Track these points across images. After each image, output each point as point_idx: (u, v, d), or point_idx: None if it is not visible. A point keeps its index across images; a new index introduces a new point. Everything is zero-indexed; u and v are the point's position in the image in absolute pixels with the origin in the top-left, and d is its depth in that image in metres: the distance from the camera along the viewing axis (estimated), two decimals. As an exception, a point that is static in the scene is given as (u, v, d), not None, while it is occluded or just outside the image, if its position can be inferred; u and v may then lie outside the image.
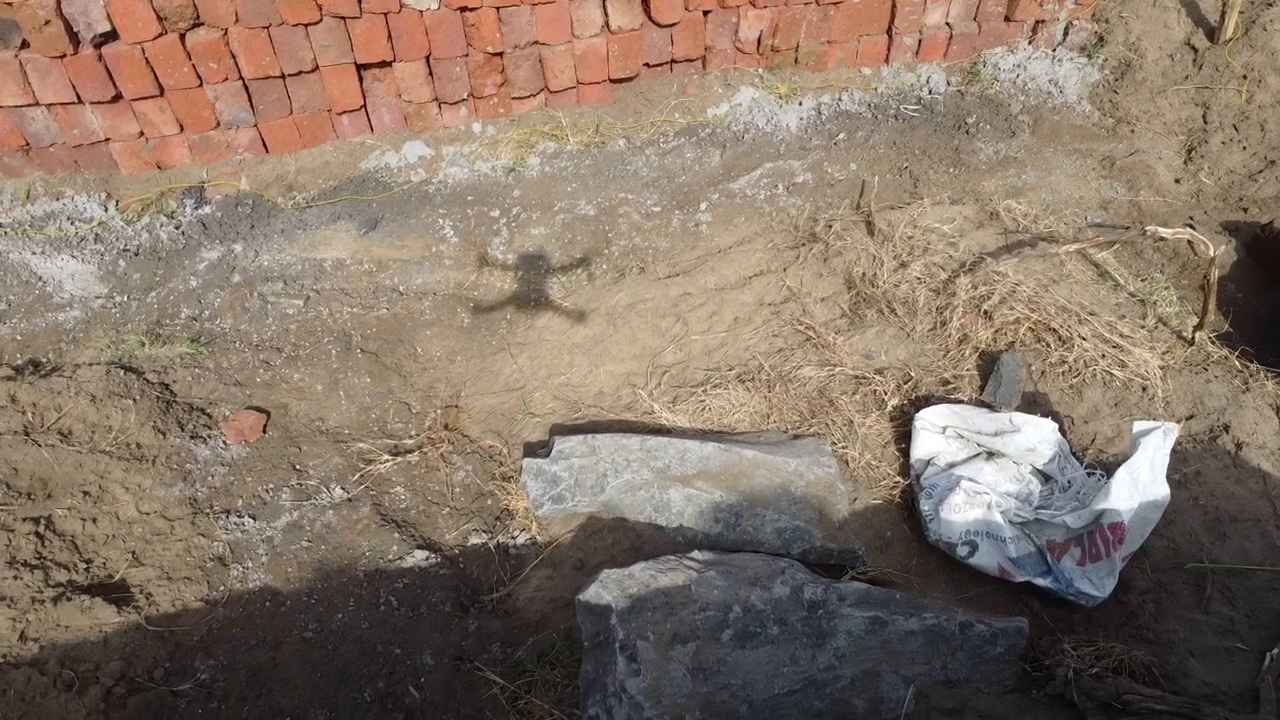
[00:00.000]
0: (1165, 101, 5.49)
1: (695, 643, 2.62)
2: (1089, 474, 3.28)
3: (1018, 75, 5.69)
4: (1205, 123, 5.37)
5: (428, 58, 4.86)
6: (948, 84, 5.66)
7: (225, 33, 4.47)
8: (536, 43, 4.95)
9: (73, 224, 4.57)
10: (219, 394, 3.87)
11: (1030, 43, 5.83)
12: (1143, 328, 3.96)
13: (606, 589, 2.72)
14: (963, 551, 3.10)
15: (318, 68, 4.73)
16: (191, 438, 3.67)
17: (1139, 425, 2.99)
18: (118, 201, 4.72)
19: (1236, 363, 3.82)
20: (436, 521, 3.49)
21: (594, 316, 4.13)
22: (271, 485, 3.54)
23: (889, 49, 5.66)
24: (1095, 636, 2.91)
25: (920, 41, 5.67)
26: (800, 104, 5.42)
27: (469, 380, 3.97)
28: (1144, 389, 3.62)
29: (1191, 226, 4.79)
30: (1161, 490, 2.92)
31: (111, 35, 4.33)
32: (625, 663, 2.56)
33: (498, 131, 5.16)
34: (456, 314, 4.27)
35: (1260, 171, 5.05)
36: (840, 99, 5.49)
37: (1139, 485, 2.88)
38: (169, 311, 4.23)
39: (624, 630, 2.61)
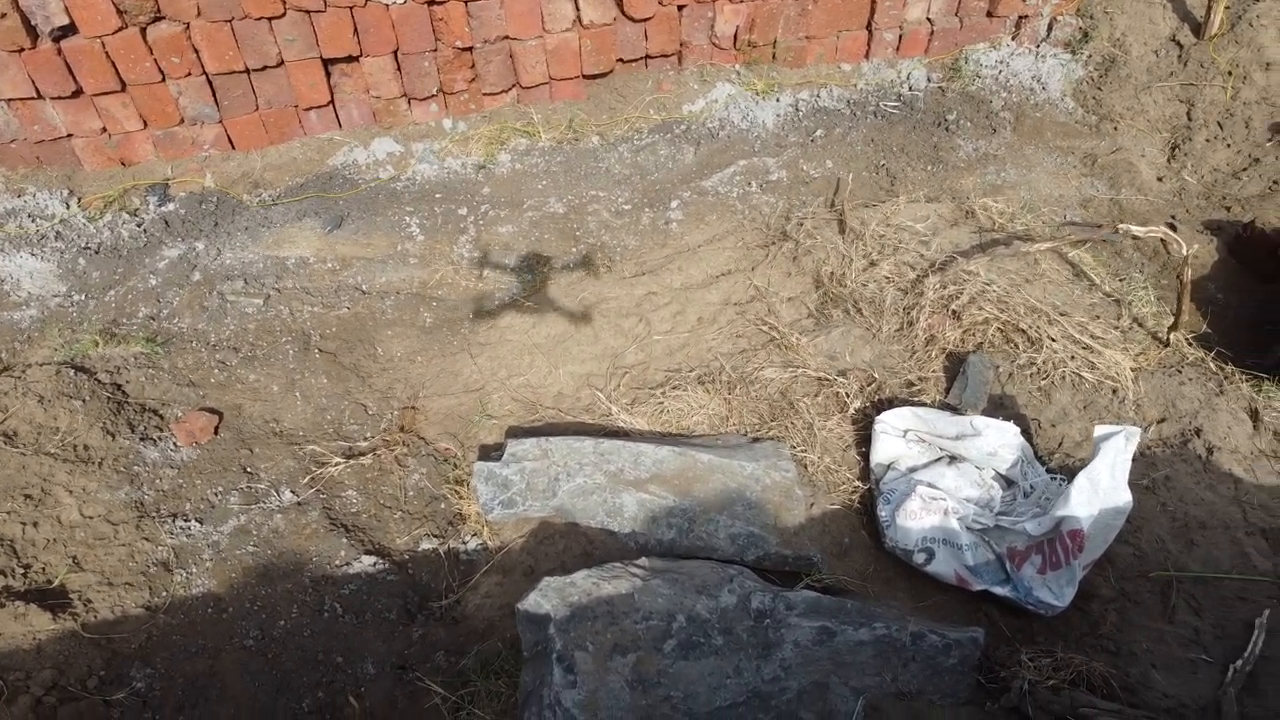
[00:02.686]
0: (1150, 98, 5.39)
1: (636, 653, 2.54)
2: (1052, 479, 3.18)
3: (1000, 72, 5.59)
4: (1189, 120, 5.28)
5: (395, 52, 4.78)
6: (929, 80, 5.57)
7: (187, 27, 4.39)
8: (507, 37, 4.87)
9: (33, 221, 4.50)
10: (172, 395, 3.79)
11: (1014, 39, 5.74)
12: (1116, 328, 3.86)
13: (546, 597, 2.64)
14: (919, 559, 3.01)
15: (283, 62, 4.65)
16: (141, 439, 3.59)
17: (1100, 429, 2.90)
18: (80, 199, 4.65)
19: (1211, 364, 3.73)
20: (388, 526, 3.40)
21: (557, 316, 4.04)
22: (220, 488, 3.47)
23: (869, 45, 5.57)
24: (1054, 647, 2.81)
25: (901, 37, 5.58)
26: (778, 100, 5.33)
27: (428, 381, 3.89)
28: (1114, 391, 3.53)
29: (1173, 225, 4.70)
30: (1123, 497, 2.83)
31: (70, 29, 4.26)
32: (562, 674, 2.48)
33: (469, 128, 5.08)
34: (419, 313, 4.18)
35: (1244, 169, 4.96)
36: (819, 95, 5.40)
37: (1099, 491, 2.79)
38: (126, 310, 4.15)
39: (562, 640, 2.53)
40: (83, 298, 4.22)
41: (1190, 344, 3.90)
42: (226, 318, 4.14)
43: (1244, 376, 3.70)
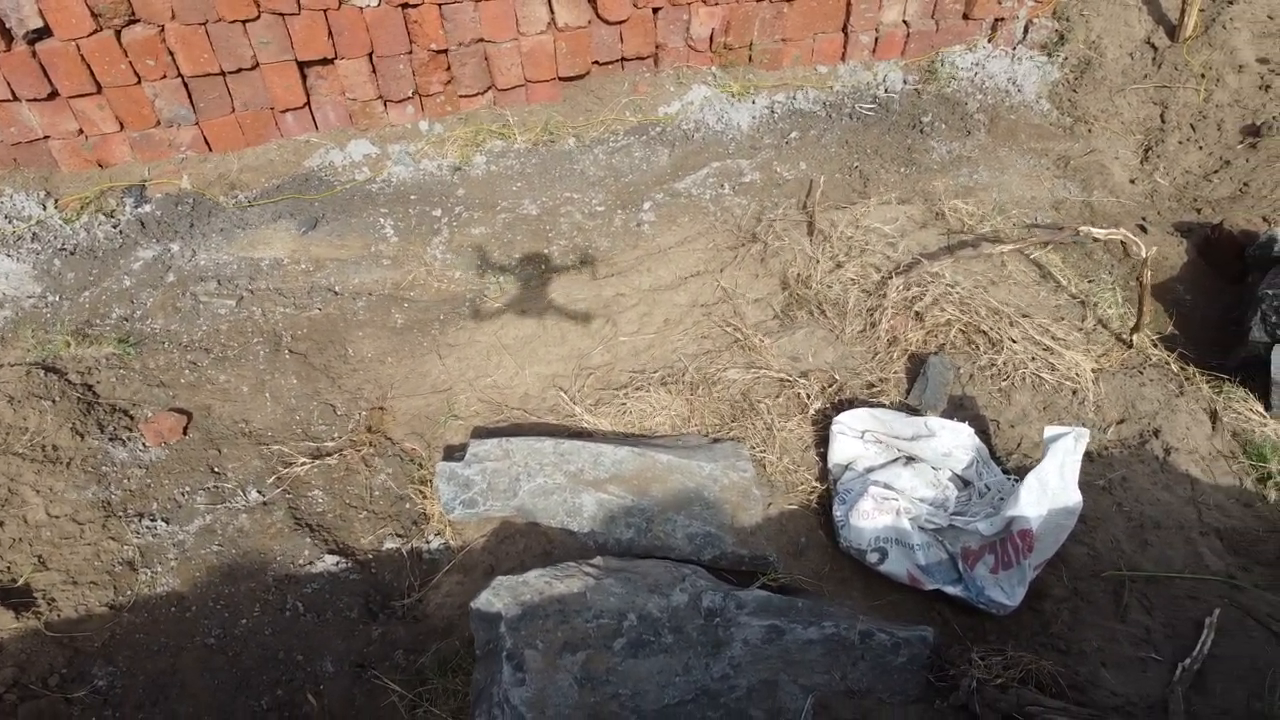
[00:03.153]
0: (1124, 100, 5.42)
1: (586, 651, 2.57)
2: (1009, 479, 3.21)
3: (976, 74, 5.62)
4: (1163, 122, 5.31)
5: (370, 55, 4.81)
6: (905, 83, 5.60)
7: (162, 29, 4.42)
8: (481, 40, 4.90)
9: (10, 223, 4.53)
10: (142, 395, 3.82)
11: (990, 41, 5.77)
12: (1080, 330, 3.89)
13: (499, 596, 2.67)
14: (873, 558, 3.04)
15: (258, 65, 4.68)
16: (110, 440, 3.62)
17: (1050, 430, 2.93)
18: (57, 200, 4.68)
19: (1173, 366, 3.76)
20: (353, 525, 3.43)
21: (525, 317, 4.07)
22: (188, 488, 3.50)
23: (845, 47, 5.60)
24: (1005, 646, 2.84)
25: (877, 40, 5.61)
26: (754, 102, 5.36)
27: (397, 382, 3.92)
28: (1074, 392, 3.56)
29: (1143, 228, 4.73)
30: (1073, 497, 2.86)
31: (45, 31, 4.28)
32: (511, 672, 2.50)
33: (445, 130, 5.11)
34: (391, 315, 4.21)
35: (1215, 171, 4.98)
36: (795, 97, 5.43)
37: (1048, 491, 2.82)
38: (100, 311, 4.18)
39: (512, 639, 2.56)
40: (57, 299, 4.25)
41: (1155, 345, 3.93)
42: (199, 319, 4.16)
43: (1205, 377, 3.74)
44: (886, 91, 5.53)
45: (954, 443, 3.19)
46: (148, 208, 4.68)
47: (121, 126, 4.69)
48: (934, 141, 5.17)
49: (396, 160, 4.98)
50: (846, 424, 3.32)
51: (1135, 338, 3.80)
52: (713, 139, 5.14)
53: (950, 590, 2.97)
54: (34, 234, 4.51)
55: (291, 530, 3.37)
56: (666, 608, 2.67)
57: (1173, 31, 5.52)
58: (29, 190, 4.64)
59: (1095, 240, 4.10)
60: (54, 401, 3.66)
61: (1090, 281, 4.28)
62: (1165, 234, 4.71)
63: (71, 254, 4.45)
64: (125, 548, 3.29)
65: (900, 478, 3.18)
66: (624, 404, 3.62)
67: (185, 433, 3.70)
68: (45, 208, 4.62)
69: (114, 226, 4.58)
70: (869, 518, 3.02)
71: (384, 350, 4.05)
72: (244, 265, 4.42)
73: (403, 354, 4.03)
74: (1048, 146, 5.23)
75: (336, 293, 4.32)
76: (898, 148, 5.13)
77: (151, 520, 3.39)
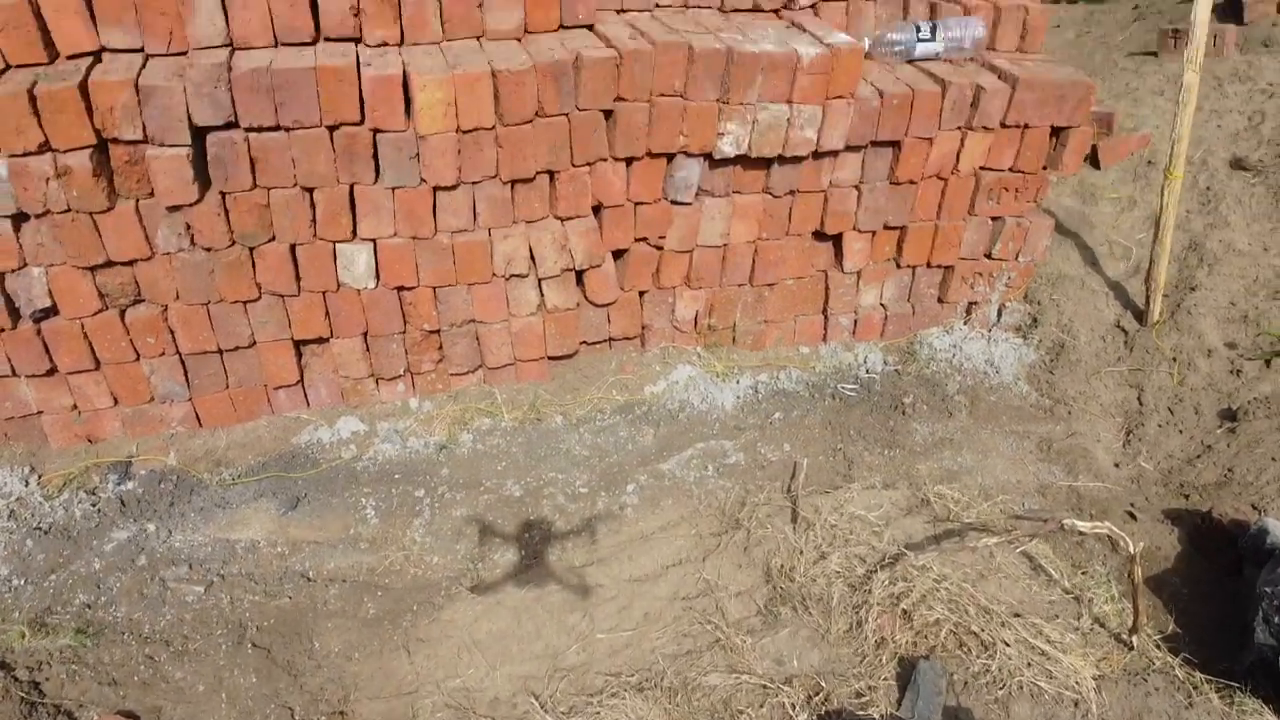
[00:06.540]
0: (1100, 383, 5.55)
1: None
2: (1011, 811, 2.97)
3: (954, 355, 5.79)
4: (1140, 405, 5.40)
5: (365, 334, 4.96)
6: (885, 363, 5.75)
7: (165, 309, 4.55)
8: (473, 321, 5.07)
9: (-11, 500, 4.49)
10: (91, 694, 3.62)
11: (965, 323, 5.98)
12: (1076, 629, 3.75)
13: None
14: None
15: (255, 343, 4.81)
16: (49, 745, 3.39)
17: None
18: (40, 475, 4.67)
19: (1179, 672, 3.58)
20: None
21: (500, 609, 3.94)
22: (122, 805, 3.23)
23: (825, 328, 5.81)
24: None
25: (856, 321, 5.83)
26: (738, 382, 5.47)
27: (362, 682, 3.72)
28: (1076, 704, 3.36)
29: (1132, 515, 4.69)
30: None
31: (52, 310, 4.42)
32: None
33: (434, 407, 5.19)
34: (363, 604, 4.07)
35: (1198, 456, 5.00)
36: (778, 377, 5.56)
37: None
38: (63, 597, 4.05)
39: None
40: (22, 582, 4.13)
41: (1158, 647, 3.78)
42: (165, 606, 4.03)
43: (1213, 685, 3.55)
44: (868, 372, 5.67)
45: (949, 770, 2.98)
46: (130, 485, 4.66)
47: (115, 402, 4.75)
48: (916, 423, 5.24)
49: (384, 438, 5.01)
50: (833, 744, 3.13)
51: (1135, 639, 3.65)
52: (697, 419, 5.21)
53: None
54: (11, 511, 4.46)
55: None
56: None
57: (1140, 316, 5.75)
58: (14, 465, 4.64)
59: (1081, 534, 4.04)
60: (-4, 702, 3.46)
61: (1083, 573, 4.18)
62: (1155, 521, 4.65)
63: (45, 533, 4.38)
64: None
65: (893, 809, 2.94)
66: (598, 713, 3.42)
67: (130, 738, 3.47)
68: (27, 484, 4.60)
69: (93, 505, 4.53)
70: None
71: (352, 644, 3.88)
72: (219, 548, 4.33)
73: (371, 649, 3.86)
74: (1029, 429, 5.29)
75: (310, 579, 4.20)
76: (880, 429, 5.19)
77: (78, 845, 3.10)
